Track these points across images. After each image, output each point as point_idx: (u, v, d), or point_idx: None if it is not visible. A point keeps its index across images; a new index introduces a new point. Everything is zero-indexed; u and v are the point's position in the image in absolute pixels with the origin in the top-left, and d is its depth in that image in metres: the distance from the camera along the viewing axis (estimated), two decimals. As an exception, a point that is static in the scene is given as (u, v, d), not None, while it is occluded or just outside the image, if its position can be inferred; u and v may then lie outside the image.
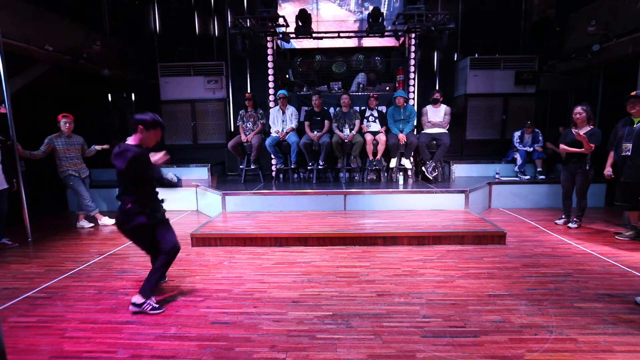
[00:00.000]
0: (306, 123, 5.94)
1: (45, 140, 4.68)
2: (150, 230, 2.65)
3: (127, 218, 2.57)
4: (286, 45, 7.20)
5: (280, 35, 6.27)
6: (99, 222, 5.14)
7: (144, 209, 2.58)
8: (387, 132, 5.87)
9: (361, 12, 7.29)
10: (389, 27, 6.35)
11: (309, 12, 6.07)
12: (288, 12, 6.76)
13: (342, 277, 3.24)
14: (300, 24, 6.03)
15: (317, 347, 2.20)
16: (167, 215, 2.76)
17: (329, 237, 4.10)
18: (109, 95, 8.10)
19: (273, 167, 6.38)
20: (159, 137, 2.63)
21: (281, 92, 5.89)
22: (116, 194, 2.66)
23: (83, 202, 4.94)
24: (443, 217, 4.71)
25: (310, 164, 5.97)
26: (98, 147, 5.07)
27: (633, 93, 3.92)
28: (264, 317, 2.57)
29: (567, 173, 4.64)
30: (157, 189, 2.72)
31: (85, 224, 5.09)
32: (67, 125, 4.74)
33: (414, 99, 6.27)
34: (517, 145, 6.23)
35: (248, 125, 6.07)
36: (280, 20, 5.97)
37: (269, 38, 6.23)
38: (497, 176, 6.03)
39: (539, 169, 6.10)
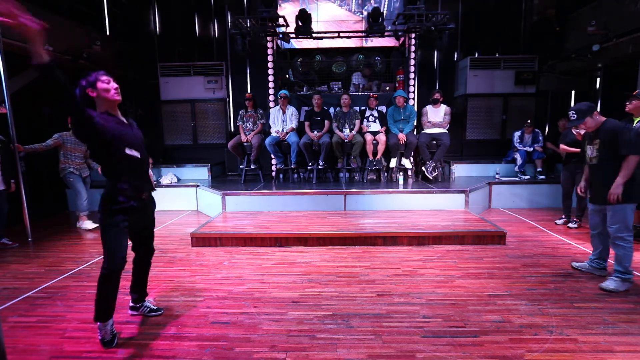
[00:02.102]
0: (306, 123, 5.94)
1: (55, 135, 4.66)
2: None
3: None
4: (286, 45, 7.20)
5: (280, 35, 6.26)
6: (81, 223, 4.98)
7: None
8: (387, 132, 5.86)
9: (361, 12, 7.29)
10: (389, 27, 6.35)
11: (308, 12, 6.07)
12: (288, 12, 6.75)
13: (342, 277, 3.24)
14: (300, 24, 6.03)
15: (317, 347, 2.20)
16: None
17: (329, 237, 4.10)
18: None
19: (273, 167, 6.38)
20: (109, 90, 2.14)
21: (282, 92, 5.89)
22: None
23: (78, 200, 4.90)
24: (443, 217, 4.71)
25: (310, 164, 5.97)
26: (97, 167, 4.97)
27: (635, 92, 3.92)
28: (264, 317, 2.56)
29: (567, 173, 4.65)
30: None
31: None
32: None
33: (414, 99, 6.27)
34: (517, 145, 6.23)
35: (248, 125, 6.07)
36: (280, 20, 5.96)
37: (269, 38, 6.23)
38: (497, 176, 6.03)
39: (539, 169, 6.09)
